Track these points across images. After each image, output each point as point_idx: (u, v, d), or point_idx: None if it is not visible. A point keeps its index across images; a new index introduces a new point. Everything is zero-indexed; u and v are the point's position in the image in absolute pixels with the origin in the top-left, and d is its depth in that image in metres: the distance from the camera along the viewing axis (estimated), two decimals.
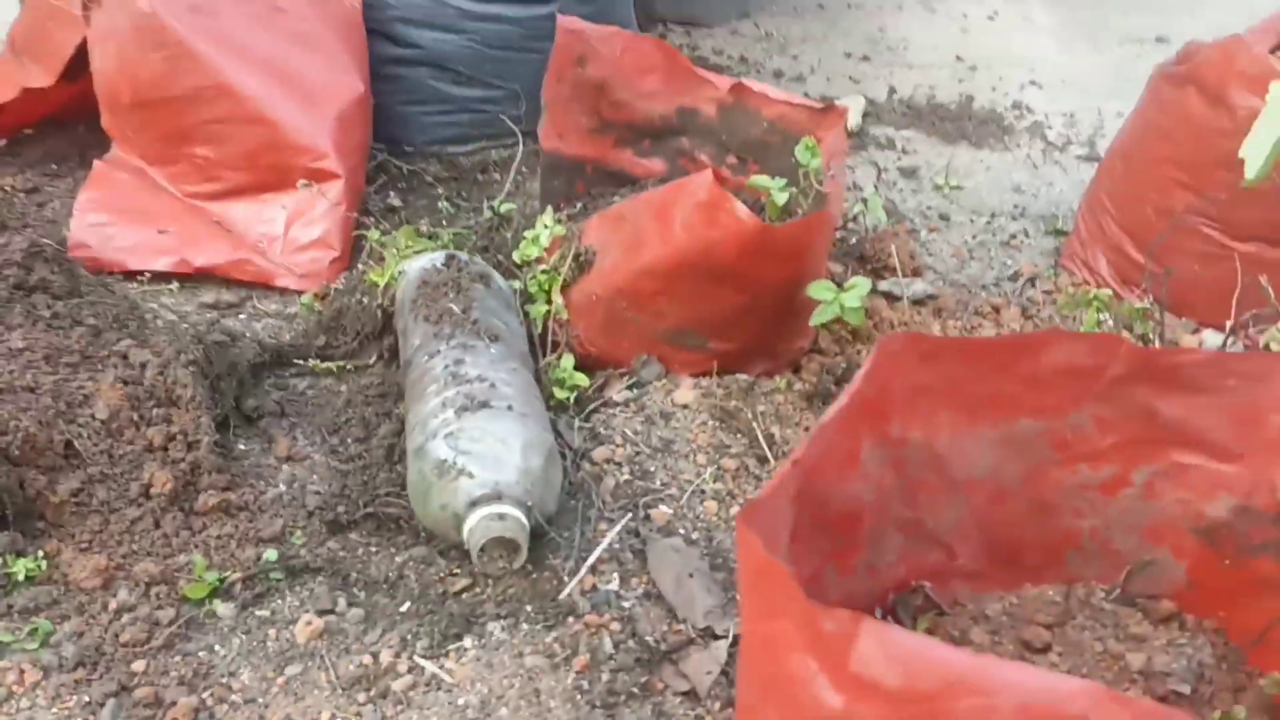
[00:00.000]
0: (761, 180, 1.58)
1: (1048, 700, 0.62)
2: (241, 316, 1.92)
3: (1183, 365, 0.99)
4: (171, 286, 1.94)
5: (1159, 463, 1.06)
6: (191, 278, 1.96)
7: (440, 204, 2.24)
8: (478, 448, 1.34)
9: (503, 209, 1.97)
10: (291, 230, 1.99)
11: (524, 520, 1.30)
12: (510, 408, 1.39)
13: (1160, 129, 1.98)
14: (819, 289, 1.55)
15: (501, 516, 1.29)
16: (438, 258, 1.71)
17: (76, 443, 1.45)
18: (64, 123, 2.35)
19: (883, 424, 0.98)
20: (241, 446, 1.60)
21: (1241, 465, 1.03)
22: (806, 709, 0.68)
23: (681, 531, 1.47)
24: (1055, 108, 3.05)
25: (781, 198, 1.55)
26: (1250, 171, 1.46)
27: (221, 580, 1.36)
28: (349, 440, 1.63)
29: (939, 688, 0.63)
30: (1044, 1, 3.95)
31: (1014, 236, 2.38)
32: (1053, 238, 2.39)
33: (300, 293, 1.95)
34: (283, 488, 1.53)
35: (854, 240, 2.20)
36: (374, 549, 1.44)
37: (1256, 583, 1.05)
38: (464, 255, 1.74)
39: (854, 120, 2.80)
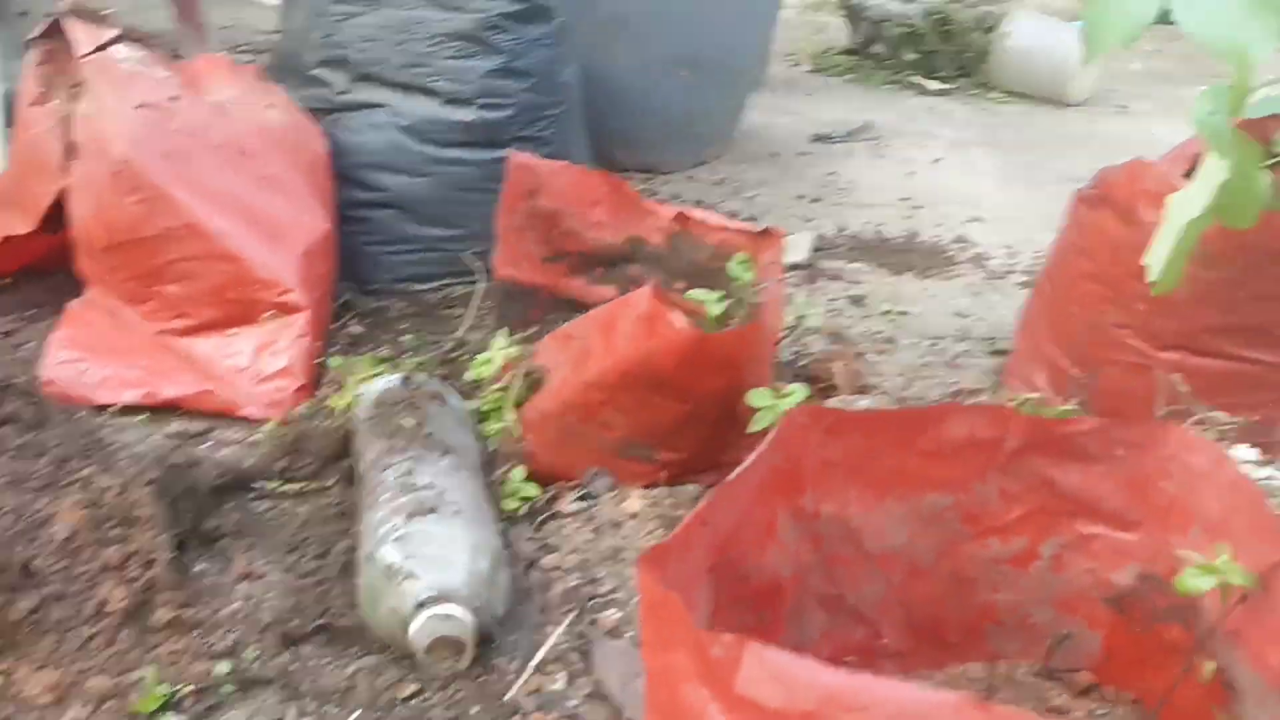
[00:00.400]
0: (698, 293, 1.68)
1: (918, 712, 0.66)
2: (205, 445, 1.97)
3: (1072, 435, 1.05)
4: (139, 418, 2.00)
5: (1065, 534, 1.11)
6: (158, 409, 2.02)
7: (404, 338, 2.33)
8: (426, 551, 1.38)
9: (464, 336, 2.06)
10: (257, 362, 2.07)
11: (469, 620, 1.33)
12: (458, 513, 1.44)
13: (1080, 248, 2.10)
14: (758, 396, 1.62)
15: (447, 616, 1.32)
16: (394, 379, 1.78)
17: (35, 562, 1.48)
18: (44, 273, 2.43)
19: (796, 497, 1.04)
20: (200, 566, 1.62)
21: (1140, 533, 1.09)
22: None
23: (629, 634, 1.49)
24: (996, 240, 3.20)
25: (717, 309, 1.64)
26: (1152, 275, 1.57)
27: (172, 694, 1.37)
28: (306, 558, 1.66)
29: (818, 705, 0.67)
30: (985, 148, 4.18)
31: (957, 357, 2.48)
32: (995, 358, 2.48)
33: (264, 421, 2.01)
34: (238, 604, 1.55)
35: (802, 364, 2.29)
36: (326, 660, 1.46)
37: (1165, 649, 1.08)
38: (420, 376, 1.81)
39: (804, 254, 2.94)
